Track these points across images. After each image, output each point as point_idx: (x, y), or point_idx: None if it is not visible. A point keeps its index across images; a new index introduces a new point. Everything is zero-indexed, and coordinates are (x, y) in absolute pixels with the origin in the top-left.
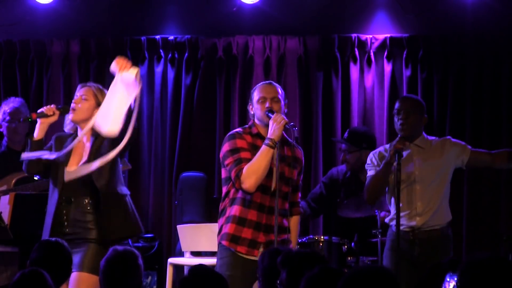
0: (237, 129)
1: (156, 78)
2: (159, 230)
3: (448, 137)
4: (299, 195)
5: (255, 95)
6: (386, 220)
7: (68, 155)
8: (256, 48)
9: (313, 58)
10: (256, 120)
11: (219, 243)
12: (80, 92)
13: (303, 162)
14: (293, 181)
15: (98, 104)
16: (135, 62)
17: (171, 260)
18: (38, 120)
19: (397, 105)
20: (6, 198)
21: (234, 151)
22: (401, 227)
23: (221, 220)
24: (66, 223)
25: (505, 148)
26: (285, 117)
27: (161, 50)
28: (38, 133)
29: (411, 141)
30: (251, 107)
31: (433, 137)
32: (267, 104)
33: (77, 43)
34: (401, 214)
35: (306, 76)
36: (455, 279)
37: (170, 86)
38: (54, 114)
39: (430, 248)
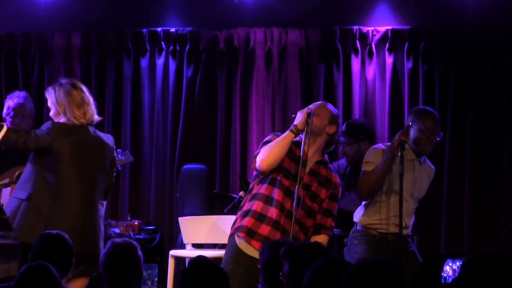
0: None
1: (157, 70)
2: (161, 222)
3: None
4: (331, 221)
5: None
6: (356, 218)
7: None
8: (258, 40)
9: (314, 50)
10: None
11: (231, 234)
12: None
13: (339, 191)
14: (320, 200)
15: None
16: (137, 54)
17: (173, 252)
18: None
19: (431, 123)
20: (8, 191)
21: (264, 143)
22: (381, 230)
23: (238, 213)
24: None
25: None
26: (309, 107)
27: (162, 42)
28: None
29: (417, 156)
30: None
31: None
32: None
33: (78, 35)
34: (387, 216)
35: (308, 68)
36: (457, 264)
37: (171, 78)
38: None
39: (407, 248)
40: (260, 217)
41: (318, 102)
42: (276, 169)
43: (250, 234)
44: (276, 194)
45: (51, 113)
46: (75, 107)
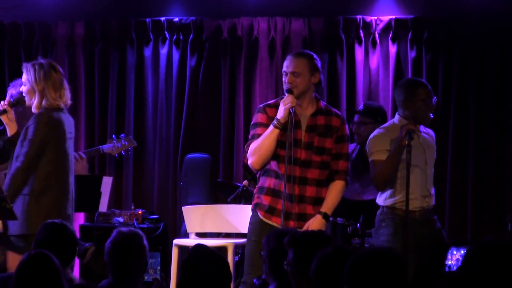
0: (269, 101)
1: (161, 59)
2: (164, 211)
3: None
4: (342, 163)
5: (283, 68)
6: (381, 202)
7: None
8: (261, 30)
9: (318, 40)
10: None
11: (253, 210)
12: (22, 78)
13: (344, 129)
14: (328, 150)
15: (28, 82)
16: (140, 44)
17: (176, 241)
18: (4, 124)
19: (424, 91)
20: None
21: (254, 125)
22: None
23: (255, 188)
24: None
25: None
26: (295, 101)
27: (166, 32)
28: (9, 131)
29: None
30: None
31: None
32: (285, 79)
33: (82, 25)
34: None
35: None
36: (461, 252)
37: (175, 67)
38: (7, 108)
39: (433, 227)
40: (275, 193)
41: (291, 58)
42: None
43: (270, 211)
44: (280, 168)
45: (25, 90)
46: (52, 89)
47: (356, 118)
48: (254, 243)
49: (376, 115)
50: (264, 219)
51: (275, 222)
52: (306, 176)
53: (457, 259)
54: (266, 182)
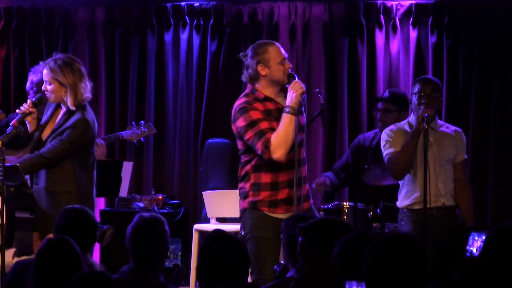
0: (243, 99)
1: (181, 44)
2: (185, 196)
3: (460, 130)
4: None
5: (274, 56)
6: (399, 204)
7: None
8: (282, 15)
9: (338, 25)
10: (265, 81)
11: (249, 208)
12: (43, 75)
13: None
14: (304, 126)
15: (57, 80)
16: (161, 29)
17: (197, 226)
18: (26, 121)
19: (420, 87)
20: None
21: (251, 124)
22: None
23: (246, 185)
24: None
25: None
26: (303, 86)
27: (186, 17)
28: (30, 127)
29: (427, 124)
30: (261, 67)
31: (442, 122)
32: (287, 65)
33: (102, 10)
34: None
35: (331, 43)
36: (482, 238)
37: (195, 52)
38: (32, 109)
39: (454, 222)
40: (274, 186)
41: (257, 48)
42: None
43: (272, 205)
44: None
45: (50, 88)
46: (81, 82)
47: (380, 105)
48: (259, 240)
49: (401, 103)
50: (269, 214)
51: (280, 213)
52: (301, 157)
53: (479, 246)
54: (261, 178)
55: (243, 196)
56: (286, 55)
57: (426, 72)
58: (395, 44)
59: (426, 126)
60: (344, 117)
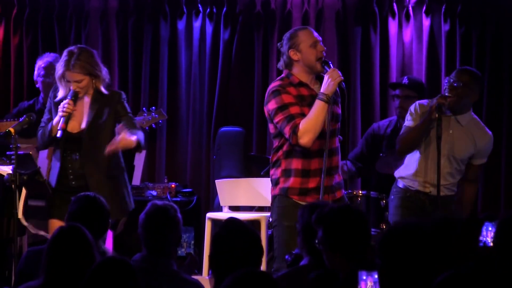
0: (277, 83)
1: (194, 33)
2: (198, 184)
3: (491, 133)
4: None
5: (304, 39)
6: (396, 174)
7: None
8: (294, 3)
9: (351, 13)
10: (299, 66)
11: (278, 195)
12: (71, 77)
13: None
14: (339, 116)
15: (90, 74)
16: (173, 17)
17: (210, 215)
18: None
19: (451, 75)
20: (44, 153)
21: (282, 107)
22: (415, 187)
23: (277, 172)
24: (71, 176)
25: None
26: (340, 74)
27: (199, 5)
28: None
29: (454, 114)
30: (293, 52)
31: (477, 119)
32: (320, 48)
33: None
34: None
35: (344, 31)
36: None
37: (208, 41)
38: (73, 107)
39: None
40: (305, 173)
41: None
42: None
43: (303, 193)
44: (316, 143)
45: (82, 85)
46: (103, 68)
47: (398, 91)
48: (286, 228)
49: (421, 90)
50: (299, 202)
51: (309, 201)
52: (333, 147)
53: (493, 236)
54: (293, 164)
55: (274, 182)
56: (320, 38)
57: (439, 60)
58: (408, 33)
59: (437, 115)
60: (357, 106)
